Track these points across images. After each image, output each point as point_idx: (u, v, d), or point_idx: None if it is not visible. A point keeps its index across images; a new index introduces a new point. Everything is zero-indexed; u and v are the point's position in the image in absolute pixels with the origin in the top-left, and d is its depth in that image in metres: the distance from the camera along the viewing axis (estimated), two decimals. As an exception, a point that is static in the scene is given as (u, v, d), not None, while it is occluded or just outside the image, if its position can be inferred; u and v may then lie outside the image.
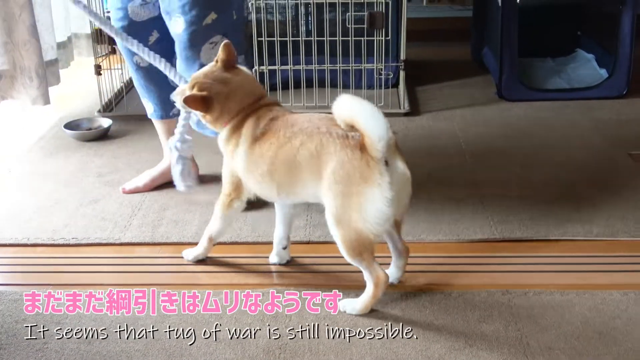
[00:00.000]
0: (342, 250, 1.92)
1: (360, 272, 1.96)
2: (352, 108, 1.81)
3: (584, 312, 1.99)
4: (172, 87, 2.47)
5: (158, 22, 2.53)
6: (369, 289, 1.97)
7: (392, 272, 2.12)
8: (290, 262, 2.27)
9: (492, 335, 1.90)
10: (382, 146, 1.77)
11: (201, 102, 2.00)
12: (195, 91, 2.01)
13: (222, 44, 2.04)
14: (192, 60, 2.44)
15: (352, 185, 1.82)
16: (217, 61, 2.06)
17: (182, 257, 2.30)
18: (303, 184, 1.94)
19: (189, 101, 2.00)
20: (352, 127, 1.83)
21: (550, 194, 2.70)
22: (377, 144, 1.77)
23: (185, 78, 2.22)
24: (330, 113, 1.90)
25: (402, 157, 1.86)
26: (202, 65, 2.34)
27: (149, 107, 2.75)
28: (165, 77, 2.38)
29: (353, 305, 1.99)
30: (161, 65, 2.26)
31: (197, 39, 2.42)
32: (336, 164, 1.83)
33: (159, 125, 2.81)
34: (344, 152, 1.82)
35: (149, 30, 2.54)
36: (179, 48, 2.46)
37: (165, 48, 2.50)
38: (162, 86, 2.64)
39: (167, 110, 2.73)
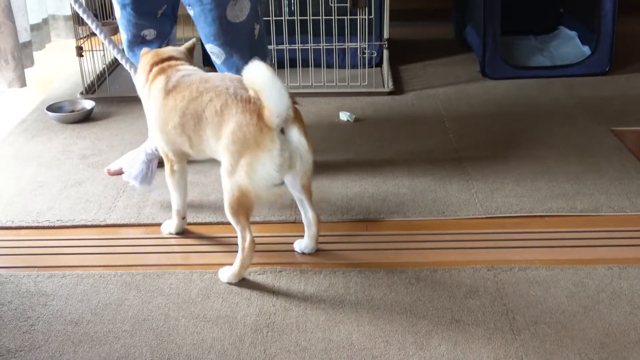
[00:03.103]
0: (225, 205, 1.99)
1: (345, 250, 1.96)
2: (258, 80, 1.86)
3: (569, 287, 2.01)
4: None
5: None
6: (239, 255, 2.03)
7: (306, 242, 2.19)
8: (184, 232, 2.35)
9: (479, 310, 1.92)
10: (278, 120, 1.85)
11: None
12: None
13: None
14: (218, 20, 2.46)
15: (247, 147, 1.89)
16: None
17: (168, 238, 2.30)
18: (207, 140, 2.02)
19: None
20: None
21: (534, 170, 2.71)
22: (274, 118, 1.85)
23: (133, 64, 2.40)
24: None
25: (300, 127, 1.92)
26: (229, 24, 2.45)
27: None
28: None
29: (225, 273, 2.06)
30: (114, 50, 2.40)
31: None
32: (235, 126, 1.91)
33: None
34: (243, 115, 1.90)
35: (161, 3, 2.59)
36: (204, 11, 2.46)
37: (167, 21, 2.66)
38: None
39: None
